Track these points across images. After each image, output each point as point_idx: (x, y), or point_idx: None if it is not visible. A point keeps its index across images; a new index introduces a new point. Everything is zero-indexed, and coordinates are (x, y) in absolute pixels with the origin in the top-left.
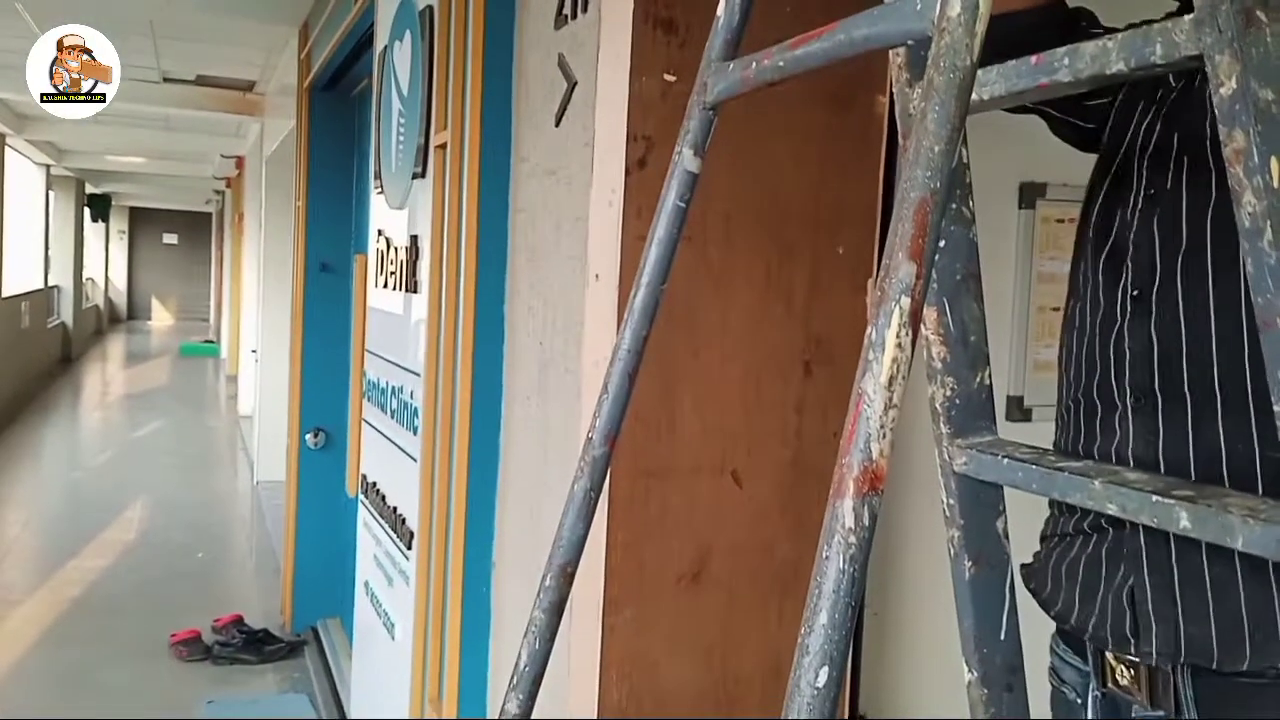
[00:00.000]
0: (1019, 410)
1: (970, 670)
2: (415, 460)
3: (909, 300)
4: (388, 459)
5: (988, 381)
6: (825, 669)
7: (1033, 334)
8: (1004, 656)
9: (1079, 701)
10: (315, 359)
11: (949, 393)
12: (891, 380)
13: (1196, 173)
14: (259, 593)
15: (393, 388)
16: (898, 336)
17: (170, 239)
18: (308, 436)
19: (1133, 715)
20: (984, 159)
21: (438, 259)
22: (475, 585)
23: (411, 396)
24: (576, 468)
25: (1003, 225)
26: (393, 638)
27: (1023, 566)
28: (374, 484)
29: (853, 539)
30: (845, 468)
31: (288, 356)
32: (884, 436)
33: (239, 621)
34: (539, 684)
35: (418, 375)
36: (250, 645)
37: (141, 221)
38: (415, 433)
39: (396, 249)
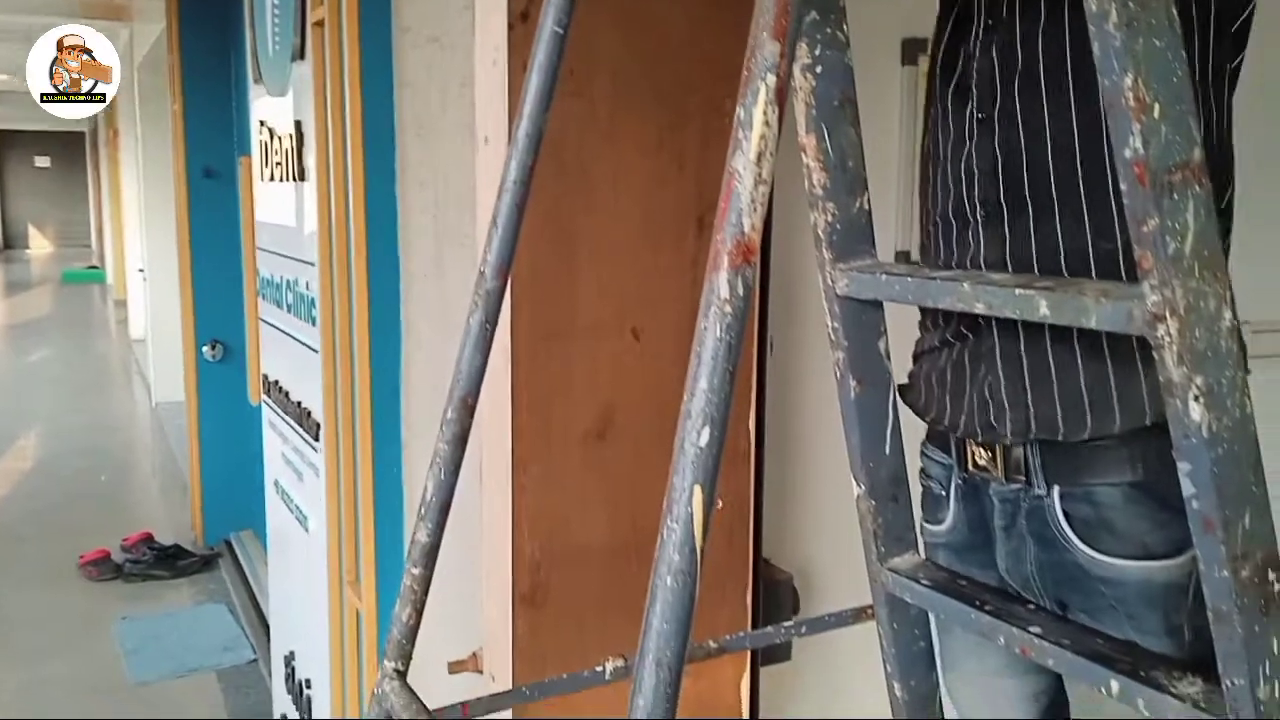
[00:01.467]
0: (905, 264)
1: (858, 485)
2: (316, 351)
3: (774, 78)
4: (288, 355)
5: (867, 206)
6: (707, 429)
7: (917, 189)
8: (889, 470)
9: (943, 493)
10: (206, 269)
11: (830, 218)
12: (760, 157)
13: (1029, 2)
14: (167, 511)
15: (288, 281)
16: (764, 113)
17: (43, 162)
18: (204, 349)
19: (990, 492)
20: (866, 15)
21: (323, 142)
22: (385, 468)
23: (307, 288)
24: (471, 301)
25: (885, 82)
26: (306, 530)
27: (900, 387)
28: (276, 383)
29: (728, 309)
30: (719, 243)
31: (177, 272)
32: (755, 211)
33: (148, 539)
34: (446, 513)
35: (312, 265)
36: (162, 561)
37: (10, 145)
38: (314, 324)
39: (280, 138)
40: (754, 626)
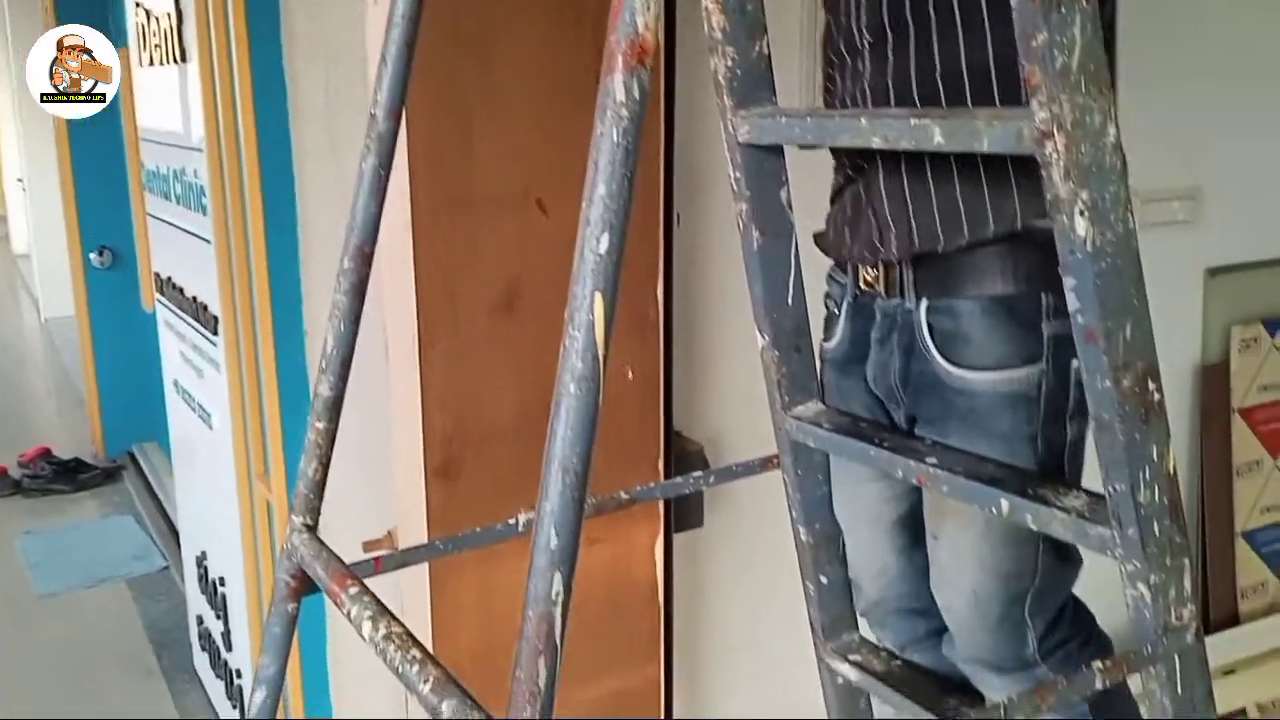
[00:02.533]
0: (804, 107)
1: (762, 336)
2: (209, 242)
3: None
4: (180, 249)
5: (766, 51)
6: (606, 235)
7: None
8: (792, 320)
9: (837, 311)
10: (89, 173)
11: (729, 63)
12: None
13: None
14: (65, 426)
15: (174, 171)
16: None
17: None
18: (92, 257)
19: (875, 307)
20: None
21: (203, 17)
22: (288, 356)
23: (195, 175)
24: (363, 145)
25: None
26: (210, 428)
27: (815, 235)
28: (169, 280)
29: (624, 112)
30: (613, 44)
31: (58, 179)
32: (648, 9)
33: (46, 454)
34: (348, 366)
35: (199, 151)
36: (62, 475)
37: None
38: (205, 213)
39: (158, 18)
40: (665, 499)
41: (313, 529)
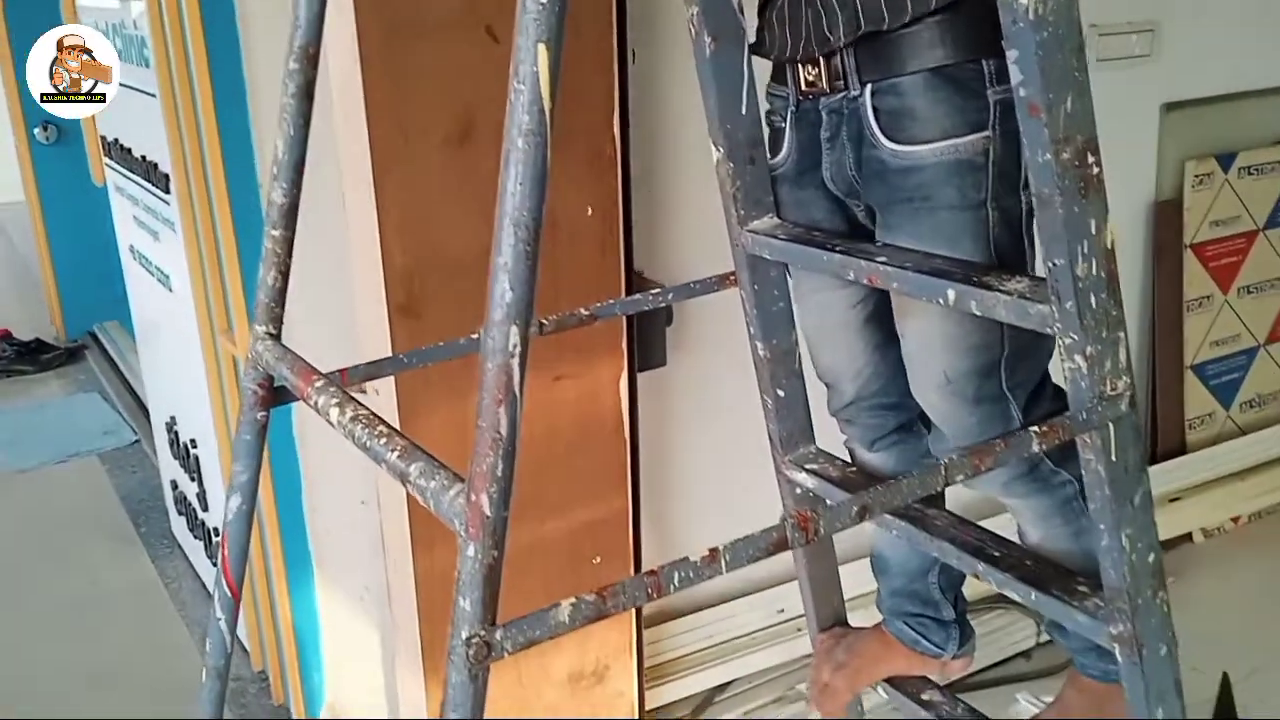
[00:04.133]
0: None
1: (717, 149)
2: (154, 96)
3: None
4: (126, 108)
5: None
6: None
7: None
8: (745, 131)
9: (783, 125)
10: (25, 41)
11: None
12: None
13: None
14: (22, 309)
15: (113, 26)
16: None
17: None
18: (36, 132)
19: (820, 108)
20: None
21: None
22: (243, 207)
23: (136, 26)
24: None
25: None
26: (170, 290)
27: (750, 46)
28: (117, 142)
29: None
30: None
31: None
32: None
33: (6, 336)
34: (300, 171)
35: (138, 0)
36: (24, 356)
37: None
38: (148, 65)
39: None
40: (628, 335)
41: (276, 336)
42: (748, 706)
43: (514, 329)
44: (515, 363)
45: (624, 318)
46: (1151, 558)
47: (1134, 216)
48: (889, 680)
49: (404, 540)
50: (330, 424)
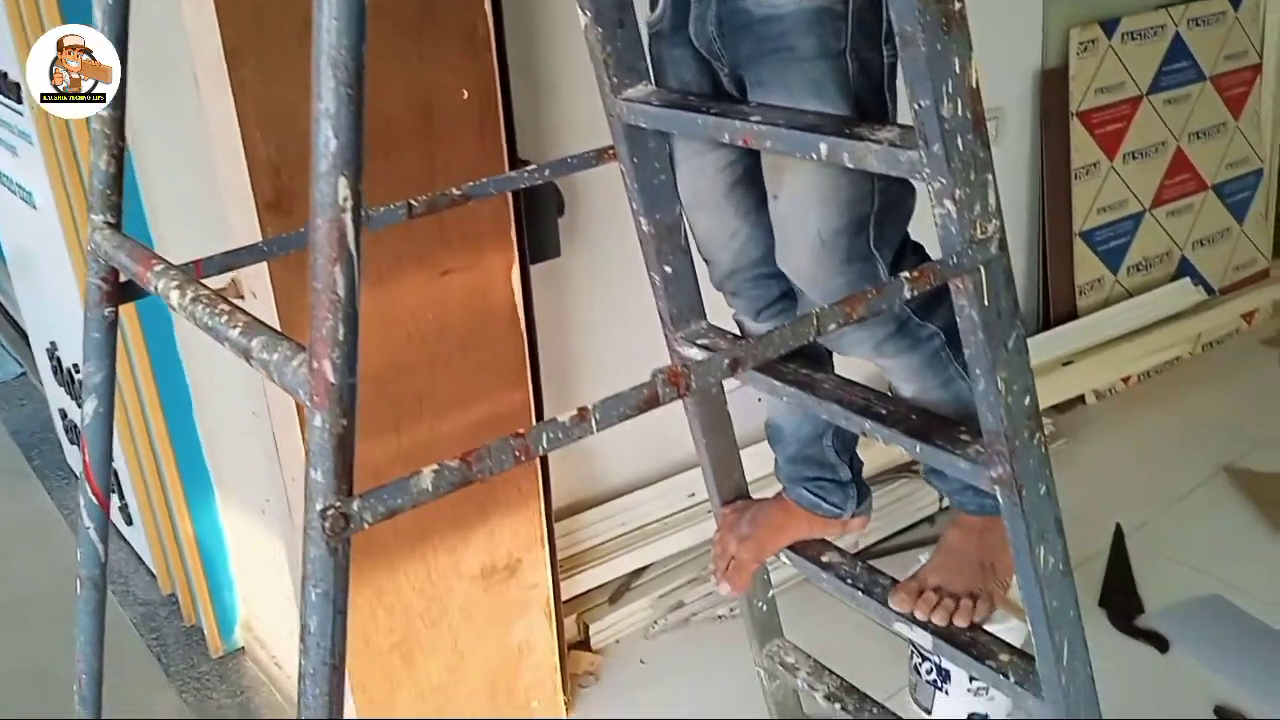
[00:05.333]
0: None
1: (584, 12)
2: None
3: None
4: None
5: None
6: None
7: None
8: None
9: None
10: None
11: None
12: None
13: None
14: None
15: None
16: None
17: None
18: None
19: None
20: None
21: None
22: None
23: None
24: None
25: None
26: (35, 208)
27: None
28: None
29: None
30: None
31: None
32: None
33: None
34: (124, 40)
35: None
36: None
37: None
38: None
39: None
40: (518, 225)
41: (116, 226)
42: (665, 589)
43: (343, 180)
44: (348, 218)
45: (512, 208)
46: (1027, 400)
47: (1021, 86)
48: (791, 547)
49: (297, 448)
50: (172, 309)
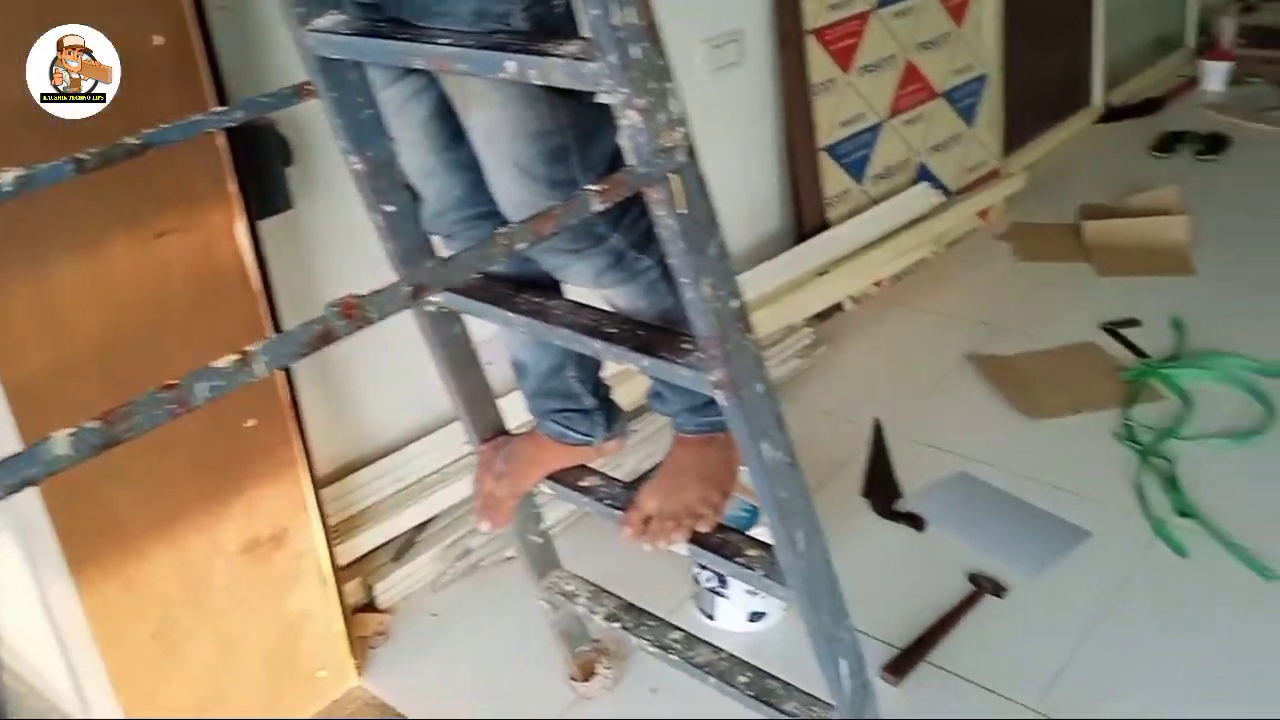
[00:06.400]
0: None
1: None
2: None
3: None
4: None
5: None
6: None
7: None
8: None
9: None
10: None
11: None
12: None
13: None
14: None
15: None
16: None
17: None
18: None
19: None
20: None
21: None
22: None
23: None
24: None
25: None
26: None
27: None
28: None
29: None
30: None
31: None
32: None
33: None
34: None
35: None
36: None
37: None
38: None
39: None
40: (239, 181)
41: None
42: (450, 539)
43: None
44: None
45: (229, 160)
46: (734, 304)
47: (758, 7)
48: (551, 476)
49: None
50: None
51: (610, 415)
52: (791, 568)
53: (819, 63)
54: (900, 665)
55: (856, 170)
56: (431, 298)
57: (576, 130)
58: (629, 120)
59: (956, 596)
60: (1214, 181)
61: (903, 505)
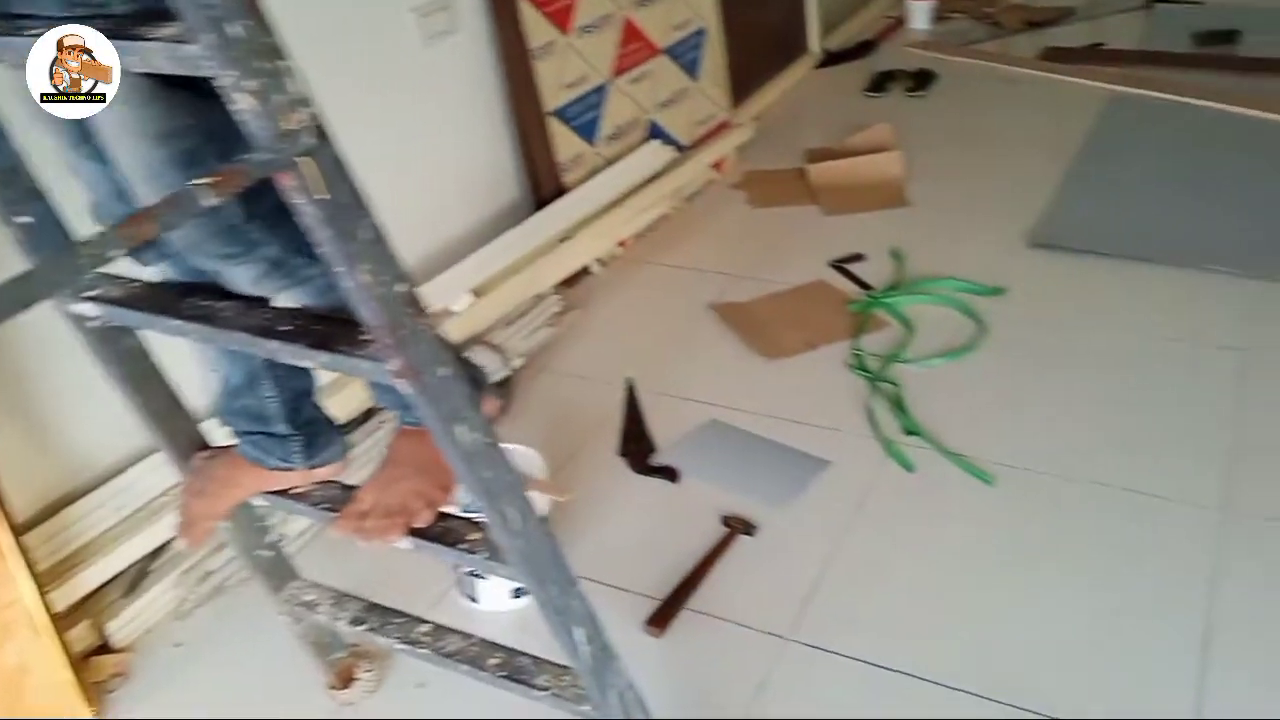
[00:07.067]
0: None
1: None
2: None
3: None
4: None
5: None
6: None
7: None
8: None
9: None
10: None
11: None
12: None
13: None
14: None
15: None
16: None
17: None
18: None
19: None
20: None
21: None
22: None
23: None
24: None
25: None
26: None
27: None
28: None
29: None
30: None
31: None
32: None
33: None
34: None
35: None
36: None
37: None
38: None
39: None
40: None
41: None
42: (190, 562)
43: None
44: None
45: None
46: (400, 288)
47: None
48: None
49: None
50: None
51: (314, 441)
52: (509, 547)
53: (537, 26)
54: (661, 617)
55: (588, 132)
56: (88, 311)
57: (208, 130)
58: (243, 105)
59: (712, 541)
60: (923, 116)
61: (658, 459)
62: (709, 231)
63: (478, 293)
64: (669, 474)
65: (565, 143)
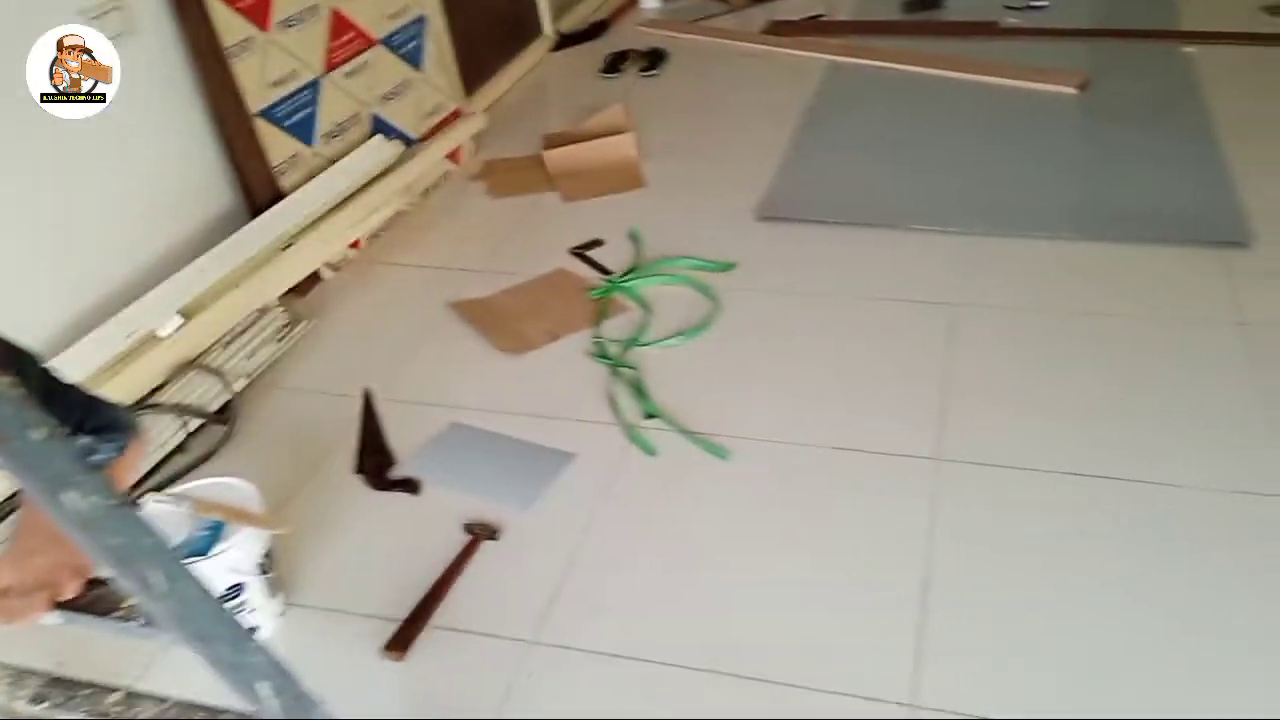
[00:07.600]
0: None
1: None
2: None
3: None
4: None
5: None
6: None
7: None
8: None
9: None
10: None
11: None
12: None
13: None
14: None
15: None
16: None
17: None
18: None
19: None
20: None
21: None
22: None
23: None
24: None
25: None
26: None
27: None
28: None
29: None
30: None
31: None
32: None
33: None
34: None
35: None
36: None
37: None
38: None
39: None
40: None
41: None
42: None
43: None
44: None
45: None
46: None
47: None
48: None
49: None
50: None
51: None
52: (160, 612)
53: (229, 23)
54: (400, 640)
55: (303, 132)
56: None
57: None
58: None
59: (455, 552)
60: (656, 95)
61: (397, 472)
62: (448, 226)
63: (186, 314)
64: (409, 486)
65: (278, 144)
